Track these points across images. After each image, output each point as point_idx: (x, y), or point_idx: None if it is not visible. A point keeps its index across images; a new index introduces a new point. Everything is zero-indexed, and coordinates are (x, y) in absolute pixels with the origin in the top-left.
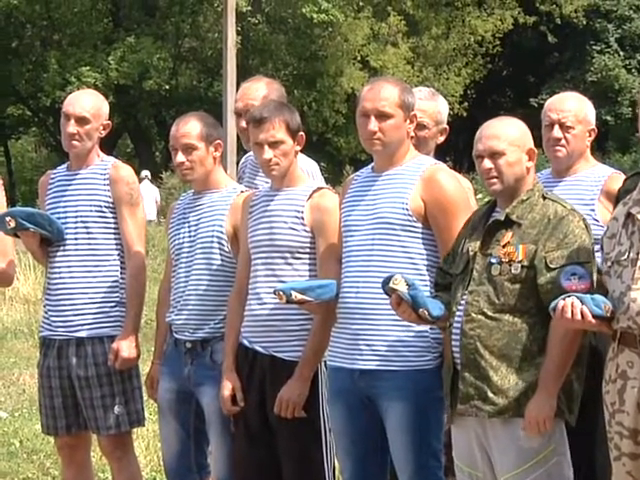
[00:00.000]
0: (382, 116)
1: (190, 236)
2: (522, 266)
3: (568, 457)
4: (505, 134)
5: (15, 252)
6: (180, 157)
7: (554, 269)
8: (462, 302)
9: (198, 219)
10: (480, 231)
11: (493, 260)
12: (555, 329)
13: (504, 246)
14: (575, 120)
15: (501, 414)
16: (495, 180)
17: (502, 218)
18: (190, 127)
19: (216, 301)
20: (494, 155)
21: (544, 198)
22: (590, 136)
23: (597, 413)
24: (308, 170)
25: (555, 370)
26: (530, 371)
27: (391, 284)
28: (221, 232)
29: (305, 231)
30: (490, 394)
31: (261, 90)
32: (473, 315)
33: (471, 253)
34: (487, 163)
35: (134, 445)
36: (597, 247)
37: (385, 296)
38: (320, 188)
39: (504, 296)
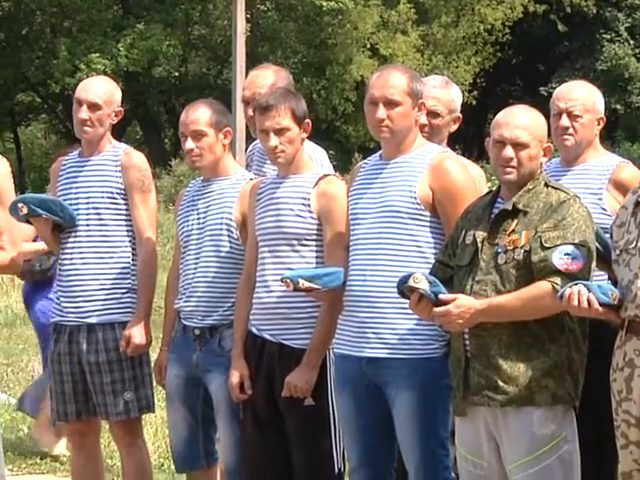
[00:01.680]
0: (390, 104)
1: (199, 223)
2: (524, 251)
3: (577, 446)
4: (532, 127)
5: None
6: (189, 144)
7: (548, 248)
8: (470, 293)
9: (207, 206)
10: (486, 222)
11: (499, 250)
12: (540, 290)
13: (509, 234)
14: (583, 109)
15: (513, 402)
16: (512, 169)
17: (510, 207)
18: (199, 114)
19: (225, 288)
20: (517, 145)
21: (547, 186)
22: (599, 125)
23: (603, 399)
24: (316, 157)
25: (504, 307)
26: (540, 358)
27: (411, 283)
28: (230, 219)
29: (312, 218)
30: (500, 383)
31: (269, 78)
32: None
33: (479, 245)
34: (509, 151)
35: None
36: (607, 235)
37: (392, 284)
38: (327, 175)
39: (510, 283)
